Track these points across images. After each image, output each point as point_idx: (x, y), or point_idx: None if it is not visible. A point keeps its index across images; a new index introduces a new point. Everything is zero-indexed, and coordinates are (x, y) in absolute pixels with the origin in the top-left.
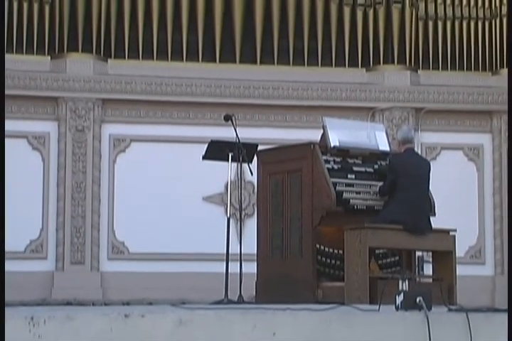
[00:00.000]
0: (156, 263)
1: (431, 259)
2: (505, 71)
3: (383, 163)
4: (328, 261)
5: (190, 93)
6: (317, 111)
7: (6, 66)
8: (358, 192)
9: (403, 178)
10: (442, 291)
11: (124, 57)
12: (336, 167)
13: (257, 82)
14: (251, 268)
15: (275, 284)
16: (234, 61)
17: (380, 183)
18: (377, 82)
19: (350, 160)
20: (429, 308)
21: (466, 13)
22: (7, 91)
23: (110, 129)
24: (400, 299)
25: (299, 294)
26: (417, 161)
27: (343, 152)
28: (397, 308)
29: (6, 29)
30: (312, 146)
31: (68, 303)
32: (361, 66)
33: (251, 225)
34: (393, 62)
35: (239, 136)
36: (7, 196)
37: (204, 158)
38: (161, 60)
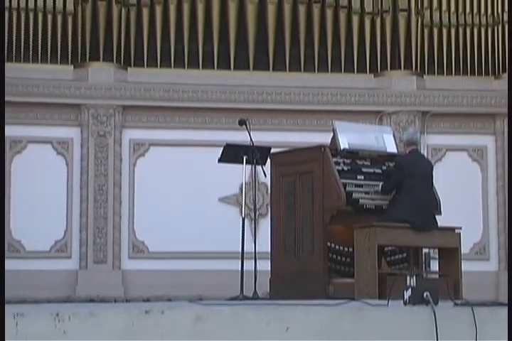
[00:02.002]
0: (174, 262)
1: (437, 256)
2: (507, 75)
3: (391, 164)
4: (339, 258)
5: (206, 99)
6: (327, 115)
7: (31, 75)
8: (366, 193)
9: (409, 178)
10: (448, 286)
11: (143, 66)
12: (345, 168)
13: (269, 88)
14: (265, 265)
15: (288, 281)
16: (247, 68)
17: (385, 182)
18: (385, 86)
19: (359, 162)
20: (436, 303)
21: (469, 21)
22: (33, 99)
23: (130, 134)
24: (407, 294)
25: (311, 290)
26: (421, 162)
27: (352, 154)
28: (405, 303)
29: (32, 40)
30: (323, 149)
31: (91, 300)
32: (369, 72)
33: (265, 225)
34: (400, 67)
35: (253, 139)
36: (33, 199)
37: (220, 160)
38: (178, 68)
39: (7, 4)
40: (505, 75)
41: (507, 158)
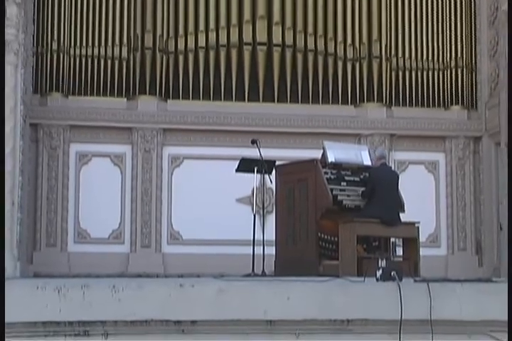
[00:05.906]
0: (202, 247)
1: (401, 244)
2: (454, 107)
3: (367, 174)
4: (327, 245)
5: (227, 123)
6: (318, 136)
7: (95, 105)
8: (348, 195)
9: (380, 185)
10: (410, 267)
11: (179, 98)
12: (332, 177)
13: (275, 115)
14: (271, 250)
15: (289, 262)
16: (258, 100)
17: (363, 189)
18: (362, 115)
19: (343, 172)
20: (401, 280)
21: (425, 66)
22: (96, 123)
23: (169, 150)
24: (379, 273)
25: (306, 269)
26: (389, 173)
27: (337, 166)
28: (377, 280)
29: (96, 79)
30: (315, 162)
31: (139, 276)
32: (350, 103)
33: (271, 219)
34: (374, 100)
35: (262, 154)
36: (96, 198)
37: (237, 170)
38: (206, 100)
39: (78, 52)
40: (453, 107)
41: (456, 171)
